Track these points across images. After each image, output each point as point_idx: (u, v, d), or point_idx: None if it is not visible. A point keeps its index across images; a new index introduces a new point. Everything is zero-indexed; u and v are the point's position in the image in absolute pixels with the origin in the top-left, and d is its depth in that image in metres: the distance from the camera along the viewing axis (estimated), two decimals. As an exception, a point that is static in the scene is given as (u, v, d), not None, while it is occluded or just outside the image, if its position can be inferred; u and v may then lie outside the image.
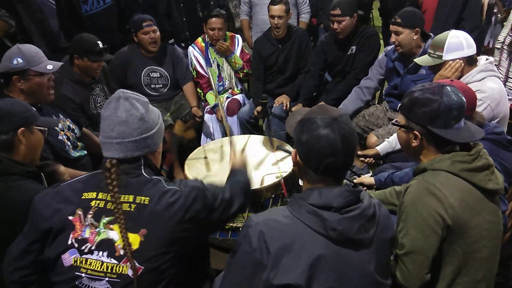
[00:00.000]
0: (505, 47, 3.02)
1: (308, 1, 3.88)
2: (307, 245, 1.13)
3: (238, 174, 1.56)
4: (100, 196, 1.24)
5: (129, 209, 1.21)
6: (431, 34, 2.65)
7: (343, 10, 2.97)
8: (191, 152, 2.38)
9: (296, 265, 1.11)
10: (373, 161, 2.59)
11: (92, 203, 1.23)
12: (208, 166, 2.23)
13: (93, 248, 1.20)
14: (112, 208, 1.21)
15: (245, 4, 3.88)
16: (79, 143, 2.42)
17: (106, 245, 1.20)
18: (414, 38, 2.63)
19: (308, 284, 1.11)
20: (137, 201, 1.21)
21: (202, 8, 3.57)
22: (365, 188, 2.18)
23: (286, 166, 2.11)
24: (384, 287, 1.23)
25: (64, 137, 2.32)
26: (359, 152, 2.62)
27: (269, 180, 2.02)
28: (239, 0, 4.04)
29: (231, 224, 2.00)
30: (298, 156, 1.23)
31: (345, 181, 2.62)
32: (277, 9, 3.18)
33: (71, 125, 2.43)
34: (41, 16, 3.33)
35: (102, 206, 1.23)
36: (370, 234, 1.17)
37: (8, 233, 1.40)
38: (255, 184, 1.99)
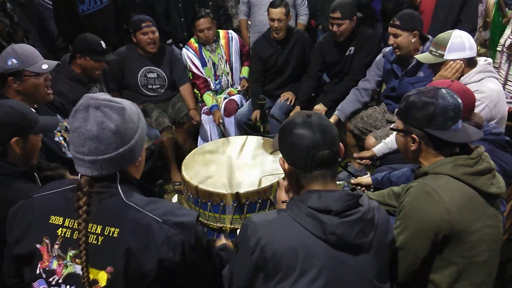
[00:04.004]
0: (505, 49, 3.01)
1: (306, 2, 3.88)
2: (305, 249, 1.12)
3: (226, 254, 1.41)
4: (66, 223, 1.13)
5: (95, 242, 1.09)
6: (430, 36, 2.64)
7: (344, 13, 2.95)
8: (188, 153, 2.37)
9: (294, 269, 1.10)
10: (370, 162, 2.58)
11: (59, 232, 1.13)
12: (205, 167, 2.22)
13: (60, 281, 1.13)
14: (78, 238, 1.11)
15: (243, 4, 3.87)
16: None
17: (73, 280, 1.12)
18: (413, 41, 2.61)
19: None
20: (105, 233, 1.09)
21: (200, 8, 3.56)
22: (363, 188, 2.18)
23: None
24: (384, 286, 1.22)
25: (61, 138, 2.31)
26: (354, 155, 2.62)
27: (267, 182, 2.01)
28: (235, 1, 4.03)
29: (231, 226, 2.00)
30: (286, 162, 1.24)
31: (342, 182, 2.63)
32: (277, 12, 3.16)
33: (68, 126, 2.42)
34: (40, 17, 3.32)
35: (69, 236, 1.12)
36: (369, 238, 1.17)
37: (2, 233, 1.38)
38: (253, 185, 1.99)
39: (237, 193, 1.95)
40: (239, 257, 1.19)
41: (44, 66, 2.12)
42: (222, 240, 1.66)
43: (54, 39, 3.45)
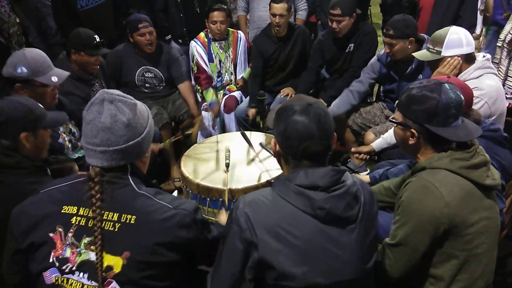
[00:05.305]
0: (505, 45, 3.00)
1: (305, -3, 3.86)
2: (294, 226, 1.14)
3: None
4: (81, 212, 1.16)
5: (112, 228, 1.13)
6: (426, 36, 2.61)
7: (344, 9, 2.93)
8: (188, 149, 2.37)
9: (284, 246, 1.12)
10: (368, 157, 2.58)
11: (73, 220, 1.16)
12: (204, 163, 2.22)
13: (74, 268, 1.14)
14: (93, 225, 1.14)
15: (242, 0, 3.86)
16: (79, 143, 2.40)
17: (87, 267, 1.14)
18: (409, 47, 2.56)
19: (297, 264, 1.12)
20: (122, 220, 1.13)
21: (199, 4, 3.55)
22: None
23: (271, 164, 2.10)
24: (370, 264, 1.24)
25: (66, 139, 2.31)
26: (352, 149, 2.61)
27: (266, 177, 2.02)
28: None
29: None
30: (277, 145, 1.25)
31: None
32: (279, 7, 3.14)
33: (72, 128, 2.41)
34: (38, 14, 3.30)
35: (83, 224, 1.15)
36: (355, 210, 1.19)
37: None
38: (252, 181, 1.99)
39: (235, 188, 1.96)
40: (230, 240, 1.19)
41: (54, 79, 2.08)
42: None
43: (53, 36, 3.44)
